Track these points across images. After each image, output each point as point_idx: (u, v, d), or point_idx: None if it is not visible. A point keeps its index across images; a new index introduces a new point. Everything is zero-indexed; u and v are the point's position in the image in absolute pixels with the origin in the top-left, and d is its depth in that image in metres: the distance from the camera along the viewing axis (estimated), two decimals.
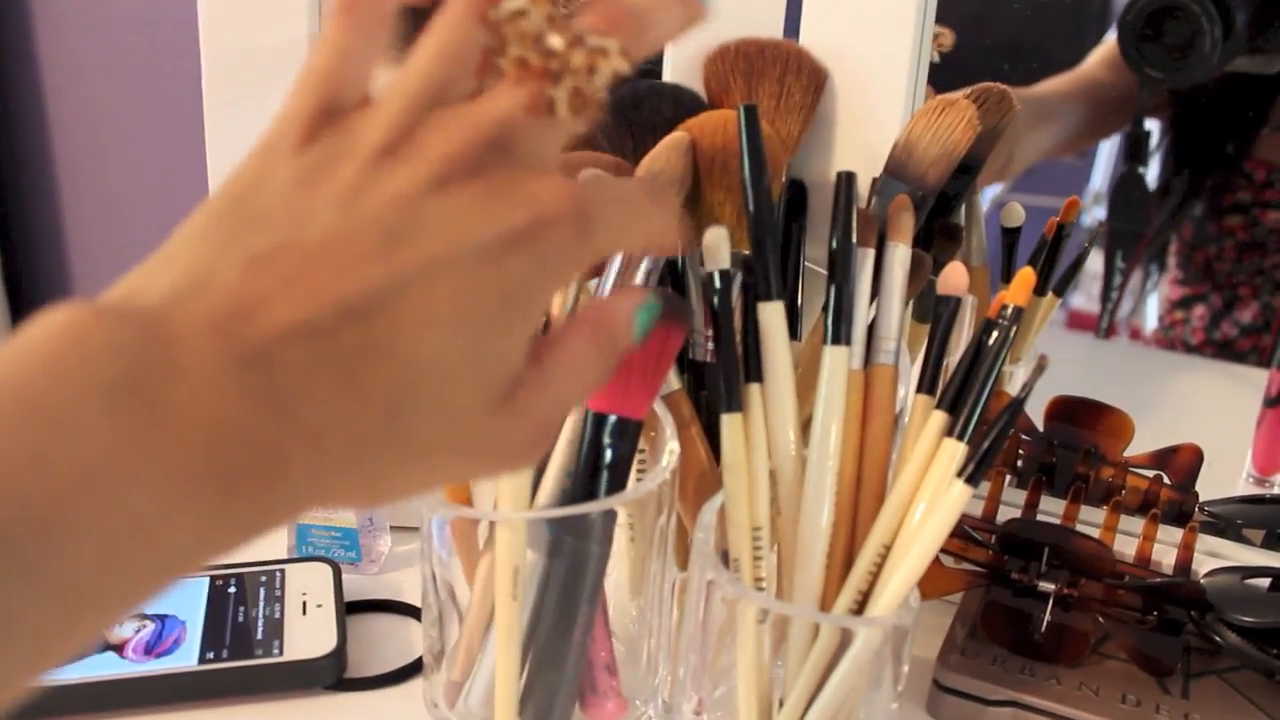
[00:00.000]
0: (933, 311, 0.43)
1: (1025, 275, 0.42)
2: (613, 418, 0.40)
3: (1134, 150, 0.74)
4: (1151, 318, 0.78)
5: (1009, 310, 0.41)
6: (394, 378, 0.24)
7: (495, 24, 0.27)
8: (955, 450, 0.40)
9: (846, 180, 0.42)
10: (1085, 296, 0.81)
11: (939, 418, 0.41)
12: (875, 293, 0.44)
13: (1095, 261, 0.80)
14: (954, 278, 0.43)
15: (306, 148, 0.26)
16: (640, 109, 0.51)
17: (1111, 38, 0.65)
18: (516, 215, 0.25)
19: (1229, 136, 0.72)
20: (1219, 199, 0.73)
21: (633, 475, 0.46)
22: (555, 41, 0.27)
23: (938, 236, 0.55)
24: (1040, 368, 0.40)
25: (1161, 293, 0.77)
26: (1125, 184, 0.75)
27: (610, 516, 0.42)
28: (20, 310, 1.19)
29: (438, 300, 0.24)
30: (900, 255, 0.44)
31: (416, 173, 0.25)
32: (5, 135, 1.15)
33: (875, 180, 0.51)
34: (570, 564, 0.42)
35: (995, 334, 0.41)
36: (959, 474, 0.40)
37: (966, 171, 0.55)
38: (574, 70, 0.27)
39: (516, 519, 0.42)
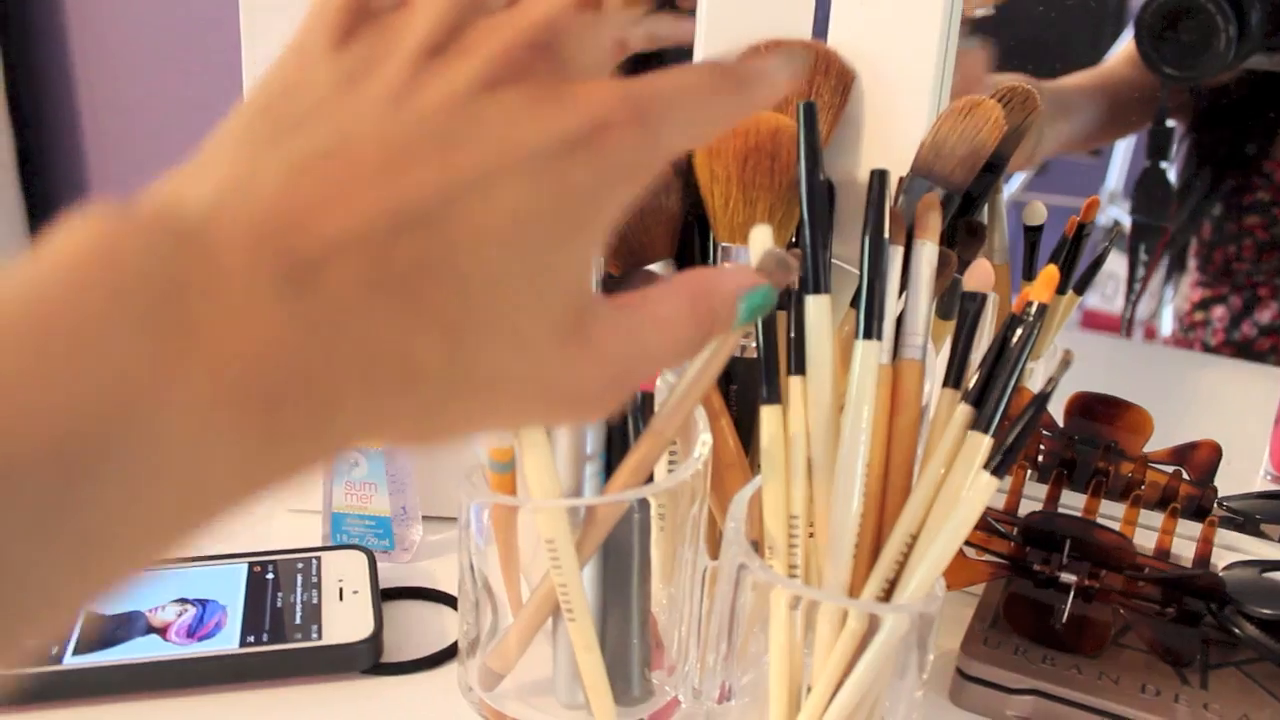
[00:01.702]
0: (959, 308, 0.44)
1: (1049, 273, 0.43)
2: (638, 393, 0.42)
3: (1157, 146, 0.74)
4: (1168, 321, 0.79)
5: (1033, 307, 0.42)
6: (452, 295, 0.22)
7: None
8: (982, 443, 0.41)
9: (879, 178, 0.43)
10: (1100, 297, 0.82)
11: (965, 411, 0.42)
12: (902, 289, 0.45)
13: (1112, 262, 0.81)
14: (980, 274, 0.44)
15: (343, 48, 0.24)
16: None
17: (1132, 35, 0.66)
18: (570, 120, 0.24)
19: (1249, 136, 0.73)
20: (1238, 198, 0.74)
21: (665, 466, 0.48)
22: None
23: (961, 234, 0.56)
24: (1066, 362, 0.41)
25: (1181, 294, 0.78)
26: (1148, 179, 0.75)
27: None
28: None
29: (495, 211, 0.23)
30: (928, 253, 0.45)
31: (463, 73, 0.24)
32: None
33: (902, 179, 0.51)
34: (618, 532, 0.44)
35: (1020, 330, 0.42)
36: (985, 466, 0.41)
37: (991, 170, 0.56)
38: None
39: (553, 506, 0.43)
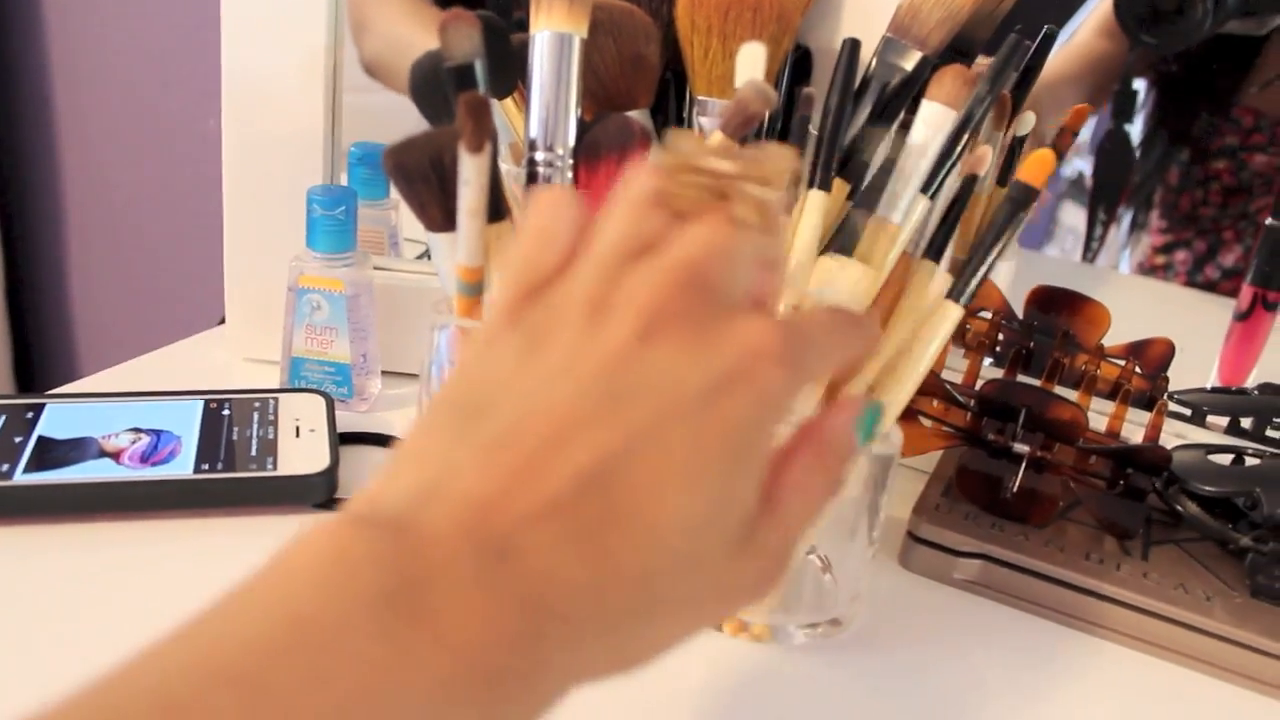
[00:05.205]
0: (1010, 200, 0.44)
1: (1043, 155, 0.43)
2: None
3: (1121, 108, 0.76)
4: (1125, 269, 0.81)
5: (1020, 185, 0.42)
6: (641, 542, 0.24)
7: (671, 171, 0.28)
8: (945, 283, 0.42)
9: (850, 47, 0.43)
10: (1059, 249, 0.83)
11: (943, 278, 0.43)
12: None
13: (1072, 216, 0.82)
14: (1037, 166, 0.44)
15: (517, 326, 0.27)
16: None
17: (1103, 4, 0.67)
18: (725, 358, 0.25)
19: (1217, 90, 0.74)
20: (1206, 144, 0.75)
21: None
22: (724, 165, 0.27)
23: None
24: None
25: (1143, 244, 0.79)
26: (1110, 140, 0.77)
27: None
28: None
29: (671, 456, 0.24)
30: (933, 113, 0.45)
31: (620, 330, 0.25)
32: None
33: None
34: None
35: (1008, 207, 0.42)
36: (949, 295, 0.41)
37: (962, 55, 0.56)
38: (751, 181, 0.27)
39: None
